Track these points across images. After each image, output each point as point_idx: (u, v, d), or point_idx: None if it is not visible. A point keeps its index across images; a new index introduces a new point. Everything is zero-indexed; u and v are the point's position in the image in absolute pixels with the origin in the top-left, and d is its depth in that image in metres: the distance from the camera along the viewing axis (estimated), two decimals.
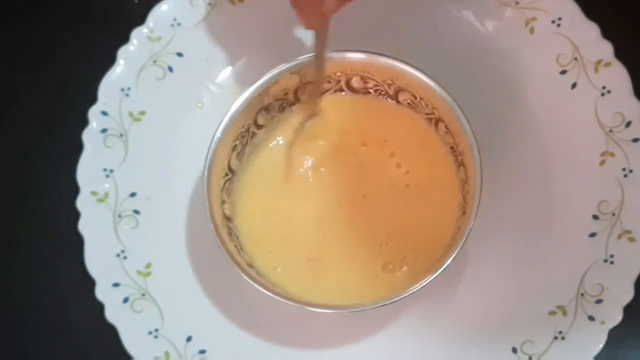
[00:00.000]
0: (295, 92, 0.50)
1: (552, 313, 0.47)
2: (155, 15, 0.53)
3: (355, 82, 0.50)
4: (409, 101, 0.49)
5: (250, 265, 0.47)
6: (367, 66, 0.48)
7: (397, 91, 0.49)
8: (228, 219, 0.48)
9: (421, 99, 0.48)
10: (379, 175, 0.49)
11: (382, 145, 0.50)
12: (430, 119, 0.49)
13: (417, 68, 0.47)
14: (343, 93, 0.51)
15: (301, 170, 0.50)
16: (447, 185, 0.48)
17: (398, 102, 0.50)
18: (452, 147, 0.48)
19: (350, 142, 0.50)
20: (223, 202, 0.48)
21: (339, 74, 0.49)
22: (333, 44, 0.47)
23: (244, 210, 0.49)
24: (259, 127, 0.50)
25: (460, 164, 0.47)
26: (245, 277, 0.45)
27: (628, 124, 0.48)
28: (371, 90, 0.50)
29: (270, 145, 0.51)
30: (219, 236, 0.46)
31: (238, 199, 0.49)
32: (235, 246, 0.47)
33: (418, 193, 0.49)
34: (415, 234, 0.48)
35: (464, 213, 0.46)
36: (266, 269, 0.48)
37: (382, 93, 0.50)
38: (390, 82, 0.49)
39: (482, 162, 0.45)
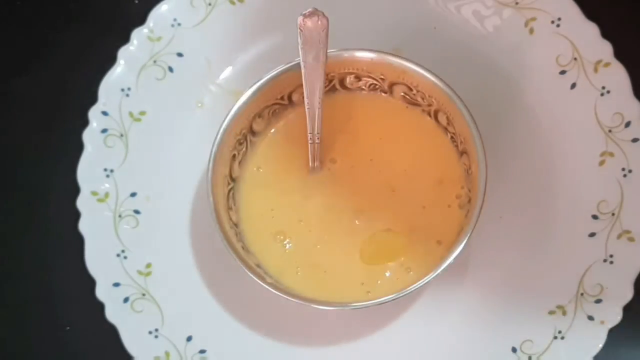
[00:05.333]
0: (290, 95, 0.50)
1: (551, 312, 0.47)
2: (156, 15, 0.53)
3: (349, 80, 0.50)
4: (403, 94, 0.50)
5: (258, 266, 0.47)
6: (362, 64, 0.48)
7: (391, 85, 0.49)
8: (235, 224, 0.48)
9: (417, 91, 0.48)
10: (380, 174, 0.49)
11: (380, 141, 0.50)
12: (429, 111, 0.49)
13: (412, 61, 0.47)
14: (336, 92, 0.51)
15: (302, 172, 0.50)
16: (449, 183, 0.48)
17: (392, 96, 0.50)
18: (452, 137, 0.48)
19: (349, 140, 0.50)
20: (230, 208, 0.48)
21: (332, 73, 0.49)
22: (332, 44, 0.47)
23: (248, 215, 0.49)
24: (254, 133, 0.50)
25: (463, 152, 0.47)
26: (259, 281, 0.45)
27: (627, 124, 0.48)
28: (364, 88, 0.50)
29: (269, 149, 0.51)
30: (227, 238, 0.46)
31: (241, 205, 0.49)
32: (242, 247, 0.47)
33: (419, 191, 0.49)
34: (417, 232, 0.48)
35: (466, 215, 0.46)
36: (273, 271, 0.48)
37: (376, 88, 0.50)
38: (383, 76, 0.49)
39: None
